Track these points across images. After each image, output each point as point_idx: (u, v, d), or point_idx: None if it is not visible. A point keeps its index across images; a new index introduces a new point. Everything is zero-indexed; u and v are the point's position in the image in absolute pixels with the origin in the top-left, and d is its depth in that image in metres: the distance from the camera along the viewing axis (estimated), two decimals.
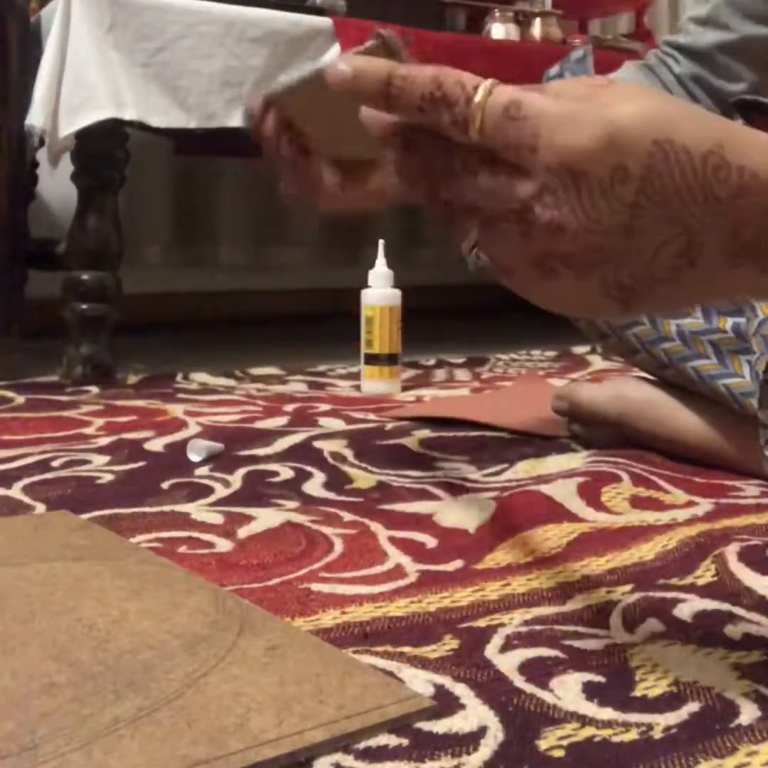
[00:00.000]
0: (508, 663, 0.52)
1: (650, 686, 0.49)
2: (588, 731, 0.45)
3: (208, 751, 0.41)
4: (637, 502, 0.82)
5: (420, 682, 0.49)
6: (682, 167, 0.41)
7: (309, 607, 0.59)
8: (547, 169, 0.41)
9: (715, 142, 0.41)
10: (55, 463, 0.95)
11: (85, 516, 0.77)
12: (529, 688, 0.49)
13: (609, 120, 0.40)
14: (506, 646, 0.54)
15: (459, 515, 0.78)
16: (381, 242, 1.47)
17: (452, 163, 0.43)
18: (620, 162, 0.40)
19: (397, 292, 1.46)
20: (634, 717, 0.46)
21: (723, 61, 0.98)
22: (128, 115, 1.43)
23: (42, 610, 0.56)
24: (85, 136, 1.43)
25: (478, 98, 0.41)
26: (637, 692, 0.49)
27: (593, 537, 0.73)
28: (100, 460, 0.97)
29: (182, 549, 0.70)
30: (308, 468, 0.95)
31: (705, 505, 0.81)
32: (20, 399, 1.34)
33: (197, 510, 0.80)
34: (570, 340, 1.89)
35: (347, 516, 0.79)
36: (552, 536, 0.73)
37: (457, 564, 0.68)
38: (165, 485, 0.88)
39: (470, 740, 0.44)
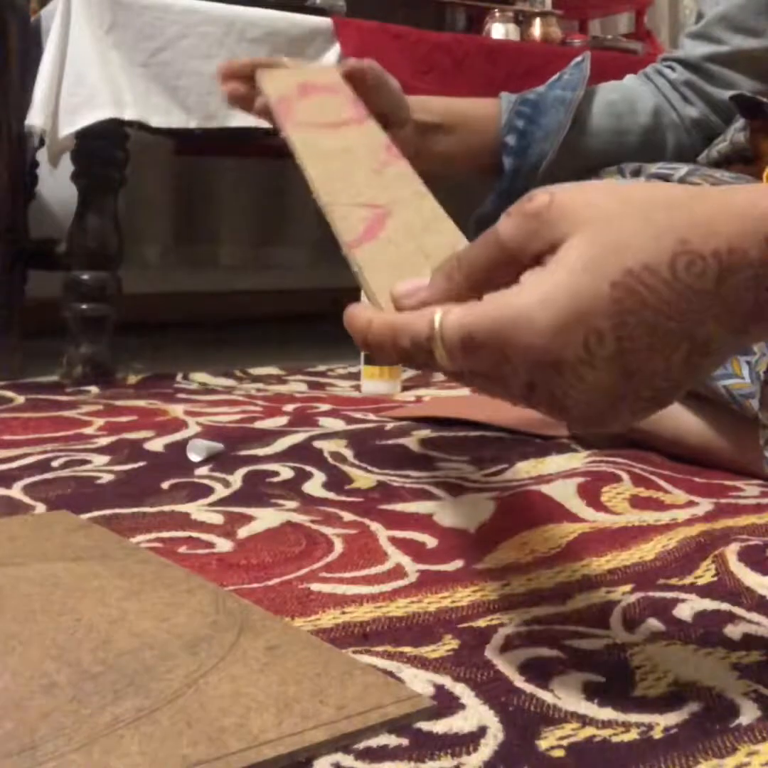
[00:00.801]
0: (508, 663, 0.52)
1: (650, 686, 0.49)
2: (588, 731, 0.45)
3: (208, 751, 0.41)
4: (637, 502, 0.82)
5: (420, 682, 0.49)
6: (651, 289, 0.39)
7: (309, 607, 0.59)
8: (526, 371, 0.40)
9: (677, 240, 0.39)
10: (55, 463, 0.95)
11: (85, 516, 0.77)
12: (529, 688, 0.49)
13: (557, 301, 0.39)
14: (506, 646, 0.54)
15: (459, 515, 0.78)
16: None
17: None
18: (588, 329, 0.39)
19: None
20: (634, 717, 0.46)
21: (715, 71, 1.03)
22: (128, 115, 1.43)
23: (42, 610, 0.56)
24: (85, 136, 1.43)
25: (436, 348, 0.41)
26: (637, 692, 0.49)
27: (593, 537, 0.73)
28: (100, 460, 0.97)
29: (182, 549, 0.70)
30: (308, 468, 0.95)
31: (705, 505, 0.81)
32: (20, 399, 1.34)
33: (197, 510, 0.80)
34: None
35: (347, 516, 0.79)
36: (552, 536, 0.73)
37: (457, 564, 0.68)
38: (165, 485, 0.88)
39: (470, 740, 0.44)
